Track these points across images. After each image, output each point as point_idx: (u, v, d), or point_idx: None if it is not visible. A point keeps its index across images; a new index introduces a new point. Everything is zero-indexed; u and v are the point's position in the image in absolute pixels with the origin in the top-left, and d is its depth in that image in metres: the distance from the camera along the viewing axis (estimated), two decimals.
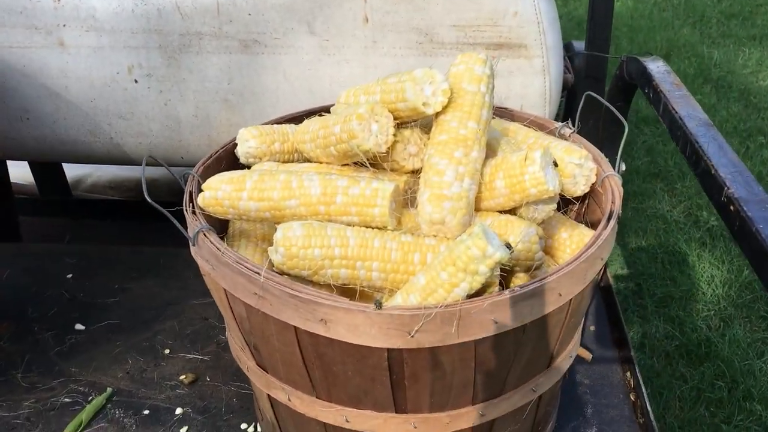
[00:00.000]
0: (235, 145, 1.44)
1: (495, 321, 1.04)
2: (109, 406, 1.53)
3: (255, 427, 1.47)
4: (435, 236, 1.17)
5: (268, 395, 1.28)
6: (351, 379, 1.12)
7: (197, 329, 1.73)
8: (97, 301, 1.81)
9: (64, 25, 1.67)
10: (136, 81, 1.70)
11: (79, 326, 1.74)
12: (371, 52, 1.61)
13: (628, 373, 1.58)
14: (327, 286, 1.16)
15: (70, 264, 1.95)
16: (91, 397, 1.54)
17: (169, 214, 1.18)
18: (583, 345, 1.56)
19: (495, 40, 1.56)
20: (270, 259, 1.15)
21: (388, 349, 1.05)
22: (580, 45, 1.79)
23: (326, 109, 1.48)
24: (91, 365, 1.63)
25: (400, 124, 1.25)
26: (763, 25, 5.81)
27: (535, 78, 1.59)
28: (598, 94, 1.56)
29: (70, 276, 1.91)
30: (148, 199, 1.18)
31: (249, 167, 1.42)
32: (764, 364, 2.65)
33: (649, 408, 1.45)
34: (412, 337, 1.02)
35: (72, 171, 2.34)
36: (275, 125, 1.46)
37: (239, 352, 1.29)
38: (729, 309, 2.97)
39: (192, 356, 1.65)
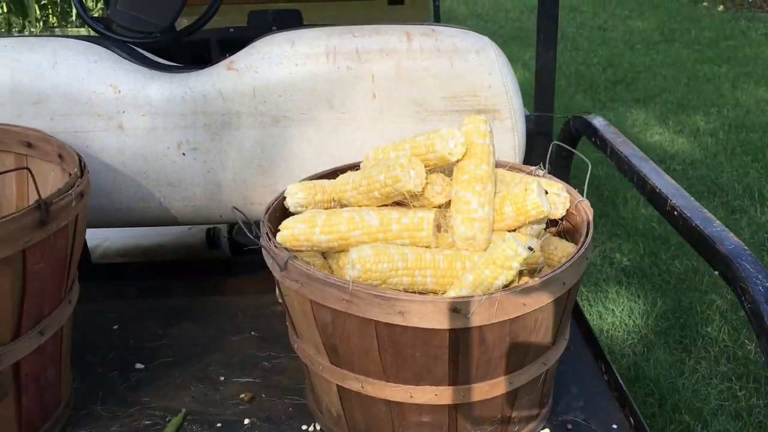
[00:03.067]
0: (284, 198, 1.80)
1: (524, 303, 1.45)
2: (185, 423, 1.81)
3: (314, 427, 1.79)
4: (467, 249, 1.58)
5: (338, 388, 1.62)
6: (417, 360, 1.49)
7: (242, 359, 2.04)
8: (146, 345, 2.09)
9: (124, 112, 2.01)
10: (183, 154, 2.05)
11: (138, 365, 2.01)
12: (378, 120, 2.04)
13: (599, 360, 2.01)
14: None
15: (112, 317, 2.22)
16: (168, 419, 1.82)
17: (262, 244, 1.55)
18: None
19: (475, 107, 2.02)
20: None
21: (449, 330, 1.43)
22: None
23: (351, 167, 1.88)
24: (159, 394, 1.90)
25: (427, 170, 1.66)
26: (644, 89, 6.65)
27: (506, 135, 2.05)
28: (546, 146, 2.05)
29: (116, 327, 2.18)
30: (249, 235, 1.54)
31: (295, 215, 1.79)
32: (685, 380, 3.10)
33: (621, 383, 1.88)
34: (468, 318, 1.41)
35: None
36: (314, 180, 1.84)
37: (313, 355, 1.63)
38: (650, 336, 3.46)
39: (244, 380, 1.96)
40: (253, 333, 2.15)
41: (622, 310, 3.67)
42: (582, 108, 6.23)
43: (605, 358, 1.98)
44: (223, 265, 2.53)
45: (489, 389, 1.55)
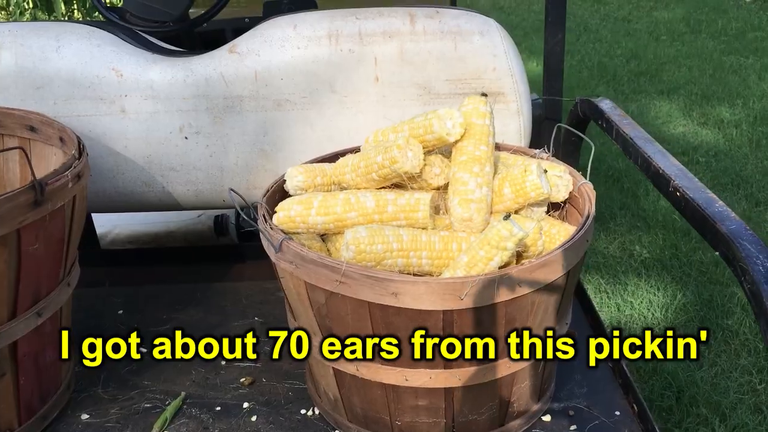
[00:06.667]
0: (284, 181, 1.79)
1: (519, 285, 1.42)
2: (185, 406, 1.81)
3: (313, 411, 1.78)
4: (464, 231, 1.55)
5: (335, 371, 1.60)
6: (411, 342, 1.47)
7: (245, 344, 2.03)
8: (150, 329, 2.10)
9: (126, 96, 2.01)
10: (186, 138, 2.05)
11: (142, 349, 2.02)
12: (381, 104, 2.02)
13: (605, 345, 1.98)
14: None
15: (118, 302, 2.23)
16: (167, 402, 1.82)
17: (258, 226, 1.54)
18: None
19: (480, 90, 1.99)
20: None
21: (443, 311, 1.41)
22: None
23: (352, 151, 1.86)
24: (160, 378, 1.90)
25: (426, 151, 1.64)
26: (668, 80, 6.53)
27: (512, 118, 2.02)
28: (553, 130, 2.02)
29: (120, 312, 2.19)
30: (244, 216, 1.53)
31: None
32: (704, 373, 3.05)
33: (626, 370, 1.84)
34: (462, 299, 1.39)
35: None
36: (314, 164, 1.83)
37: (310, 338, 1.62)
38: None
39: (245, 364, 1.95)
40: (256, 318, 2.15)
41: (641, 302, 3.61)
42: None
43: (611, 345, 1.94)
44: (230, 251, 2.53)
45: (485, 373, 1.52)
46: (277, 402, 1.82)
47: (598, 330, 2.04)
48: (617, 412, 1.73)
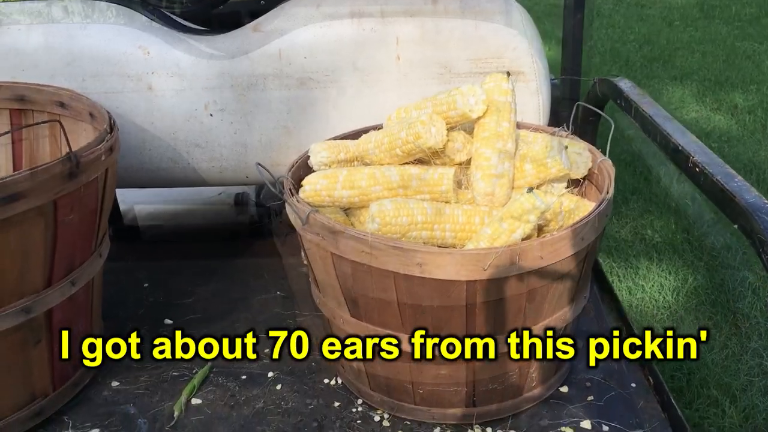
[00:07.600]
0: (308, 157, 1.83)
1: (541, 257, 1.45)
2: (211, 375, 1.87)
3: (336, 380, 1.83)
4: (486, 205, 1.59)
5: None
6: (435, 313, 1.51)
7: (268, 316, 2.08)
8: (175, 302, 2.15)
9: (153, 73, 2.06)
10: (211, 115, 2.09)
11: (167, 321, 2.07)
12: (402, 83, 2.06)
13: (621, 323, 2.02)
14: None
15: (143, 276, 2.28)
16: (195, 371, 1.87)
17: (285, 199, 1.58)
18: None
19: (500, 69, 2.02)
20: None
21: (467, 282, 1.45)
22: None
23: (374, 128, 1.90)
24: (188, 347, 1.96)
25: (449, 128, 1.67)
26: (681, 66, 6.52)
27: (531, 97, 2.05)
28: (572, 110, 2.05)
29: (147, 285, 2.25)
30: (272, 189, 1.57)
31: None
32: (714, 356, 3.08)
33: (643, 344, 1.88)
34: (485, 270, 1.43)
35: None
36: (338, 140, 1.87)
37: (334, 309, 1.66)
38: (679, 312, 3.44)
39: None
40: (278, 292, 2.20)
41: (652, 286, 3.63)
42: None
43: (627, 320, 1.99)
44: (251, 228, 2.58)
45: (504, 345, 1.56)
46: (300, 372, 1.87)
47: (614, 306, 2.08)
48: (633, 384, 1.77)
